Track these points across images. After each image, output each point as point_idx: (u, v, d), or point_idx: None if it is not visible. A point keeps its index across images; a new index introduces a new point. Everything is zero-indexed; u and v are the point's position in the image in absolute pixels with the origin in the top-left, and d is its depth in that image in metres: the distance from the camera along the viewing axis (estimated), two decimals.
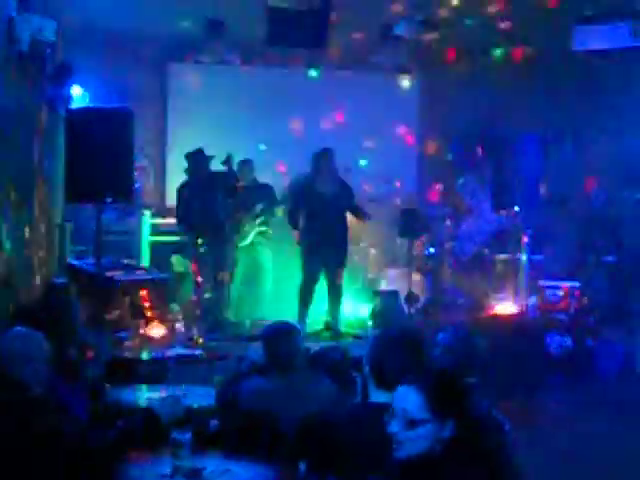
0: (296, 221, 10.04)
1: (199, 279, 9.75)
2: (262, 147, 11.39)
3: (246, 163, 10.56)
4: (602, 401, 8.86)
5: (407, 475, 3.26)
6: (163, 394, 5.36)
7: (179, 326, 7.52)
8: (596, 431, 7.98)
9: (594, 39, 8.83)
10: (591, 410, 8.52)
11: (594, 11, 8.96)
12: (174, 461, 3.96)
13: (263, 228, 10.53)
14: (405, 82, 12.26)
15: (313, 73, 11.79)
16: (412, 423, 3.27)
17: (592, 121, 11.13)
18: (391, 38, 10.74)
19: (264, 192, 10.58)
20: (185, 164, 9.93)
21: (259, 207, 10.40)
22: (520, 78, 11.04)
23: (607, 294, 10.74)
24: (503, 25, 10.28)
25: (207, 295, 9.82)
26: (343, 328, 10.03)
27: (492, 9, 9.90)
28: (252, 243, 10.47)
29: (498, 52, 11.16)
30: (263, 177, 10.76)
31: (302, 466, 3.83)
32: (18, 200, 6.84)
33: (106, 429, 3.98)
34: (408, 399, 3.30)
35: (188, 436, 4.01)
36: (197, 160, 9.84)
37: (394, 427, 3.28)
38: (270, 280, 10.69)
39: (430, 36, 10.25)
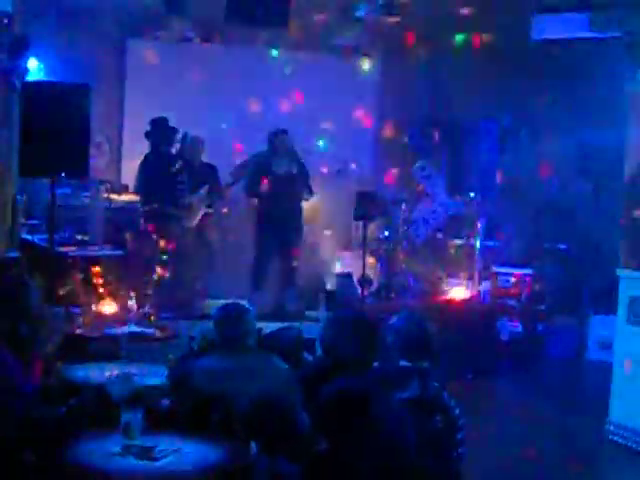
0: (256, 191, 10.01)
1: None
2: (221, 126, 11.31)
3: (199, 141, 10.51)
4: (551, 387, 8.98)
5: None
6: (115, 372, 5.35)
7: (132, 303, 7.47)
8: (544, 416, 8.09)
9: (553, 29, 8.87)
10: (540, 395, 8.63)
11: (554, 0, 9.01)
12: (124, 439, 3.96)
13: (210, 210, 10.46)
14: (364, 65, 12.25)
15: (273, 53, 11.73)
16: None
17: (549, 110, 11.21)
18: (352, 20, 10.72)
19: (210, 173, 10.50)
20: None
21: (205, 188, 10.32)
22: (479, 65, 11.07)
23: (559, 281, 10.87)
24: (463, 11, 10.30)
25: (161, 273, 9.79)
26: (296, 309, 10.05)
27: None
28: (200, 223, 10.40)
29: (458, 38, 11.18)
30: (220, 156, 10.73)
31: (254, 446, 3.84)
32: None
33: (57, 406, 3.96)
34: None
35: (139, 415, 4.01)
36: (159, 128, 9.79)
37: None
38: (220, 260, 10.65)
39: (391, 20, 10.23)
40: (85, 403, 3.96)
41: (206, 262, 10.46)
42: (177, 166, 9.85)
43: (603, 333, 9.67)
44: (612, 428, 7.39)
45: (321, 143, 11.81)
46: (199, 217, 10.30)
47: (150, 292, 9.24)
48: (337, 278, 10.89)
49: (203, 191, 10.25)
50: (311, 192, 10.21)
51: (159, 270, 9.82)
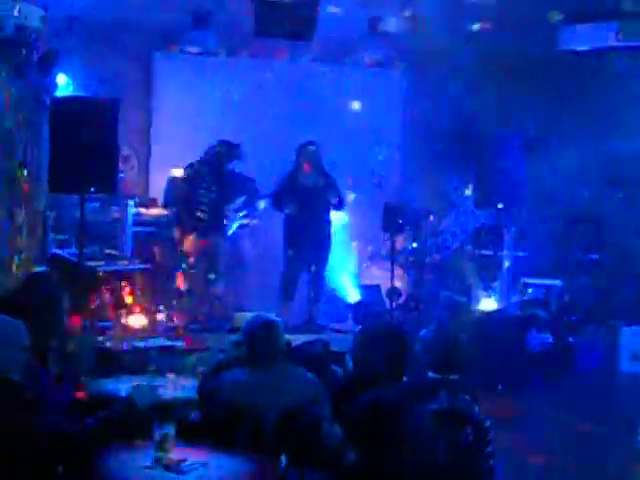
0: (280, 206, 10.03)
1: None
2: (246, 138, 11.33)
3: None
4: (582, 399, 8.91)
5: None
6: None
7: (161, 317, 7.49)
8: (575, 428, 8.03)
9: (580, 39, 8.85)
10: (571, 407, 8.56)
11: (581, 10, 8.99)
12: (155, 452, 3.96)
13: (245, 221, 10.52)
14: (390, 77, 12.25)
15: (299, 66, 11.75)
16: None
17: (577, 120, 11.16)
18: (377, 33, 10.73)
19: (248, 185, 10.57)
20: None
21: (241, 199, 10.38)
22: (505, 76, 11.06)
23: (589, 292, 10.80)
24: (489, 22, 10.29)
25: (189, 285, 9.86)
26: (324, 322, 10.05)
27: (478, 6, 9.90)
28: (234, 235, 10.45)
29: (484, 49, 11.16)
30: (246, 168, 10.76)
31: (283, 459, 3.85)
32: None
33: (86, 418, 3.97)
34: None
35: (170, 428, 4.02)
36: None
37: None
38: (252, 272, 10.67)
39: (415, 32, 10.23)
40: (113, 415, 3.97)
41: (239, 274, 10.49)
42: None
43: (634, 344, 9.59)
44: None
45: (348, 155, 11.79)
46: (234, 228, 10.36)
47: (179, 305, 9.28)
48: (365, 290, 10.88)
49: (239, 202, 10.32)
50: (341, 203, 10.18)
51: (188, 282, 9.89)
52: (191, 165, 10.00)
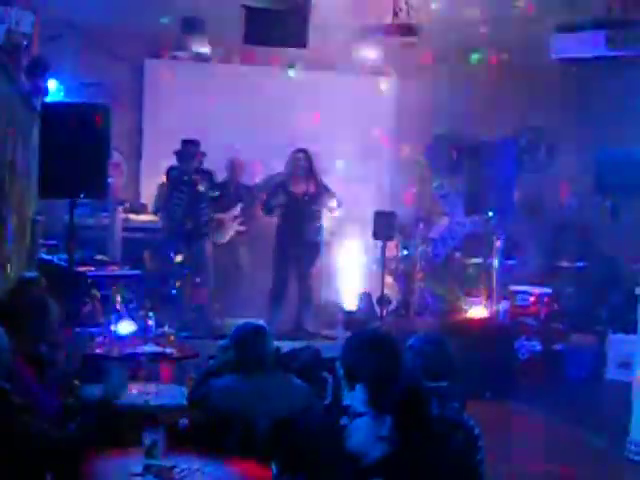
0: (270, 210, 10.06)
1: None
2: (237, 146, 11.35)
3: (238, 162, 10.65)
4: (570, 406, 8.93)
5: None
6: (134, 391, 5.37)
7: (151, 323, 7.46)
8: (564, 436, 8.04)
9: (571, 47, 8.89)
10: (559, 415, 8.58)
11: (571, 20, 9.03)
12: (145, 460, 3.96)
13: (242, 228, 10.54)
14: (382, 84, 12.27)
15: (290, 73, 11.77)
16: (354, 415, 3.36)
17: (566, 128, 11.20)
18: (369, 41, 10.74)
19: (246, 193, 10.62)
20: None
21: (239, 206, 10.43)
22: (496, 84, 11.09)
23: (577, 300, 10.83)
24: (481, 31, 10.33)
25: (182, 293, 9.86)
26: (314, 328, 10.04)
27: (470, 14, 9.94)
28: (230, 242, 10.47)
29: (475, 57, 11.21)
30: (240, 174, 10.82)
31: (274, 467, 3.85)
32: None
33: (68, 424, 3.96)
34: (355, 395, 3.40)
35: (160, 435, 4.01)
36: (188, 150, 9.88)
37: (344, 420, 3.39)
38: (247, 279, 10.68)
39: (408, 39, 10.25)
40: (91, 417, 3.96)
41: (234, 280, 10.49)
42: (202, 186, 9.91)
43: (622, 352, 9.61)
44: (633, 448, 7.33)
45: (339, 163, 11.81)
46: (230, 234, 10.38)
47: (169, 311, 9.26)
48: (355, 297, 10.89)
49: (236, 209, 10.36)
50: (338, 205, 10.17)
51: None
52: (169, 169, 10.03)
